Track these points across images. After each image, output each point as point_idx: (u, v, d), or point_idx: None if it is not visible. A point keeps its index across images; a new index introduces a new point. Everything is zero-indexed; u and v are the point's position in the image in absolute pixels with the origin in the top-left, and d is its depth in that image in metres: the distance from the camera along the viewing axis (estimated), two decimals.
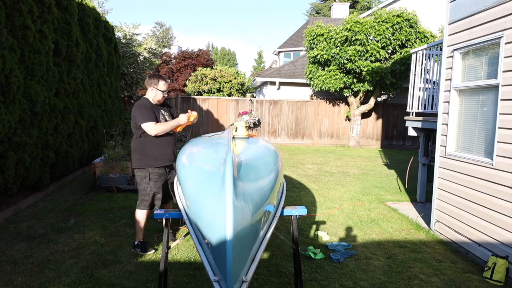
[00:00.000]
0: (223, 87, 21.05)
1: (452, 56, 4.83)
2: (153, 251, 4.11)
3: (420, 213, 5.98)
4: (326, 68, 14.63)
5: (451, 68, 4.83)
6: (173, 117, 4.26)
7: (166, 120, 4.10)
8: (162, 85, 4.07)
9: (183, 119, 4.06)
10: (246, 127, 4.16)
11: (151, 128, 3.90)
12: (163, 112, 4.13)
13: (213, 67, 24.35)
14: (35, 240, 4.33)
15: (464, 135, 4.64)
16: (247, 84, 22.83)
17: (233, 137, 3.70)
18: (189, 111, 4.23)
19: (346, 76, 14.41)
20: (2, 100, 5.00)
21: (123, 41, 13.21)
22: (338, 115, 16.30)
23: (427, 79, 6.91)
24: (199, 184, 2.33)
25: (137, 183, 4.09)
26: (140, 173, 4.04)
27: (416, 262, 4.11)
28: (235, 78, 21.52)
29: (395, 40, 13.64)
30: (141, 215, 4.06)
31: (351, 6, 34.91)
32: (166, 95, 4.15)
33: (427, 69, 7.02)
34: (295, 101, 16.15)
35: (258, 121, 15.90)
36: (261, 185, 2.37)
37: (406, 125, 7.07)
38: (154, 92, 4.08)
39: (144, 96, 4.17)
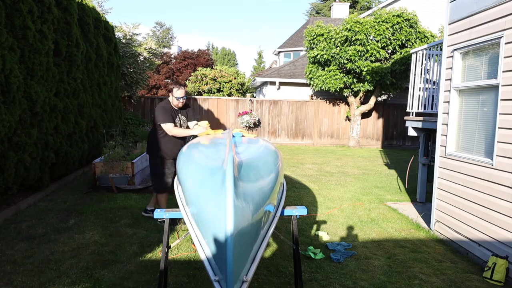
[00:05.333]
0: (223, 87, 21.05)
1: (452, 56, 4.83)
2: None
3: (420, 213, 5.98)
4: (326, 68, 14.64)
5: (451, 68, 4.83)
6: (186, 118, 4.93)
7: (180, 123, 4.80)
8: (176, 91, 4.70)
9: (199, 131, 4.53)
10: (245, 129, 4.20)
11: (170, 129, 4.64)
12: (180, 116, 4.83)
13: (213, 67, 24.36)
14: (35, 240, 4.33)
15: (464, 135, 4.65)
16: (247, 84, 22.82)
17: (233, 137, 3.70)
18: (203, 124, 4.70)
19: (346, 76, 14.41)
20: (2, 100, 5.00)
21: (123, 41, 13.19)
22: (338, 115, 16.30)
23: (427, 79, 6.91)
24: (199, 184, 2.33)
25: (151, 170, 4.86)
26: (153, 160, 4.79)
27: (416, 262, 4.11)
28: (235, 78, 21.52)
29: (395, 40, 13.64)
30: (161, 197, 4.81)
31: (351, 6, 34.91)
32: (183, 101, 4.75)
33: (427, 69, 7.02)
34: (295, 101, 16.15)
35: (258, 121, 15.90)
36: (262, 185, 2.37)
37: (406, 125, 7.07)
38: (171, 98, 4.79)
39: (167, 99, 4.84)
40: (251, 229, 1.98)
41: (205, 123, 4.71)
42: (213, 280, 1.86)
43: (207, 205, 2.06)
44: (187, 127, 4.95)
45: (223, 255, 1.77)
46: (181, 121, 4.85)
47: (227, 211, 1.77)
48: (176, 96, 4.71)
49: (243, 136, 3.96)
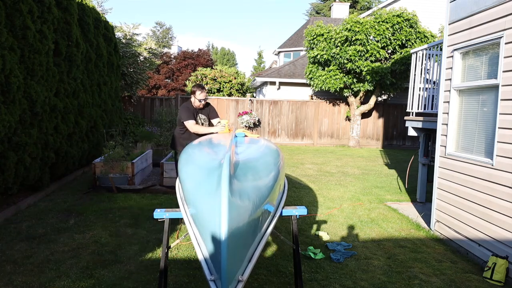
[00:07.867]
0: (223, 87, 21.05)
1: (452, 56, 4.83)
2: None
3: (420, 213, 5.98)
4: (326, 68, 14.63)
5: (451, 68, 4.83)
6: (208, 117, 5.35)
7: (201, 122, 5.27)
8: (198, 94, 5.14)
9: (219, 129, 4.91)
10: (245, 129, 4.24)
11: (191, 126, 5.09)
12: (200, 115, 5.29)
13: (213, 67, 24.34)
14: (35, 240, 4.33)
15: (464, 135, 4.64)
16: (247, 84, 22.81)
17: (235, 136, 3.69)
18: (223, 123, 5.07)
19: (346, 76, 14.41)
20: (2, 100, 5.00)
21: (123, 41, 13.20)
22: (338, 115, 16.29)
23: (427, 79, 6.90)
24: (197, 183, 2.33)
25: (176, 165, 5.06)
26: (177, 156, 5.08)
27: (416, 262, 4.11)
28: (235, 78, 21.52)
29: (395, 40, 13.63)
30: None
31: (351, 6, 34.90)
32: (204, 102, 5.21)
33: (427, 69, 7.01)
34: (295, 101, 16.14)
35: (258, 121, 15.89)
36: (259, 184, 2.36)
37: (406, 125, 7.07)
38: (193, 99, 5.23)
39: (190, 100, 5.27)
40: (247, 228, 1.98)
41: (225, 121, 5.04)
42: (208, 280, 1.86)
43: (203, 205, 2.06)
44: (209, 125, 5.35)
45: (218, 254, 1.77)
46: (202, 120, 5.28)
47: (222, 210, 1.77)
48: (198, 98, 5.15)
49: (245, 136, 3.96)
